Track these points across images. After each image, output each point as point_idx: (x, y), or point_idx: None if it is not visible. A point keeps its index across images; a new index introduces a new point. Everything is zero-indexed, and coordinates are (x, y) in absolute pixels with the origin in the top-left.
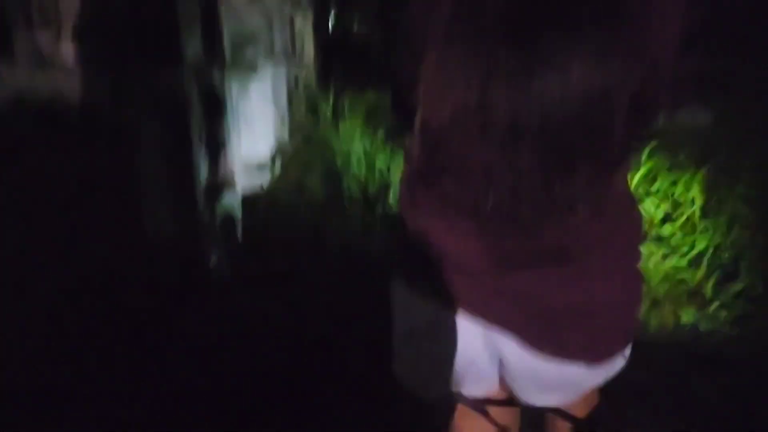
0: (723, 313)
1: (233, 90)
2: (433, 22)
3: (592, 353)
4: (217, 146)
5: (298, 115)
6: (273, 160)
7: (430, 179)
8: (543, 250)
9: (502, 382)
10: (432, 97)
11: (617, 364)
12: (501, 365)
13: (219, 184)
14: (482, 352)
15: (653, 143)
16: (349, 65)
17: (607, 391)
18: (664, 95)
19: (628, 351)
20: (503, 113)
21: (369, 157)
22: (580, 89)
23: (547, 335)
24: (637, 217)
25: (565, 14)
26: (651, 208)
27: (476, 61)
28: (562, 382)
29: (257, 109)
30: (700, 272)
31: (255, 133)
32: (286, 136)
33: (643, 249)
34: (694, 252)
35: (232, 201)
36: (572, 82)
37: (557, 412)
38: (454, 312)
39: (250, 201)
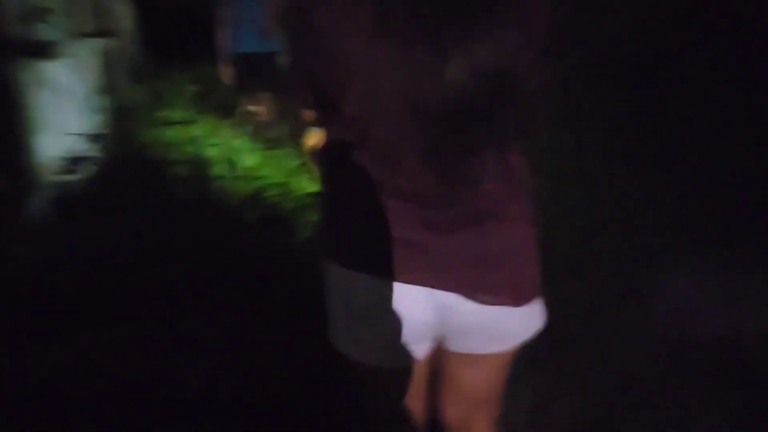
0: None
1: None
2: (330, 16)
3: (515, 294)
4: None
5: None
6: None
7: (353, 158)
8: (463, 214)
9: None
10: (346, 84)
11: (536, 316)
12: (439, 322)
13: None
14: (424, 313)
15: None
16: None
17: None
18: (542, 77)
19: (540, 305)
20: (411, 97)
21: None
22: (477, 71)
23: (479, 284)
24: (531, 178)
25: (460, 5)
26: None
27: (383, 50)
28: (494, 326)
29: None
30: None
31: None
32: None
33: None
34: None
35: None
36: (470, 66)
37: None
38: (393, 280)
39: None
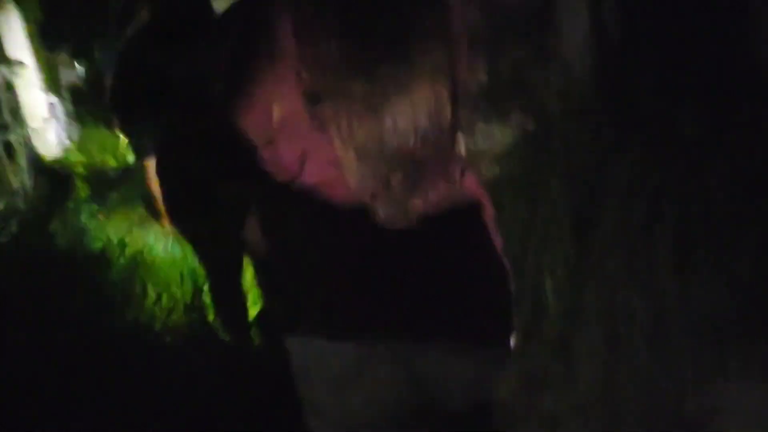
0: None
1: None
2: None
3: (478, 347)
4: None
5: None
6: None
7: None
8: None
9: None
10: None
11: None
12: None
13: None
14: (397, 383)
15: None
16: None
17: None
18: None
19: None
20: (359, 138)
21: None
22: (416, 111)
23: (445, 327)
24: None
25: (399, 55)
26: None
27: (332, 97)
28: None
29: None
30: None
31: None
32: None
33: None
34: None
35: None
36: (410, 107)
37: None
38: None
39: None
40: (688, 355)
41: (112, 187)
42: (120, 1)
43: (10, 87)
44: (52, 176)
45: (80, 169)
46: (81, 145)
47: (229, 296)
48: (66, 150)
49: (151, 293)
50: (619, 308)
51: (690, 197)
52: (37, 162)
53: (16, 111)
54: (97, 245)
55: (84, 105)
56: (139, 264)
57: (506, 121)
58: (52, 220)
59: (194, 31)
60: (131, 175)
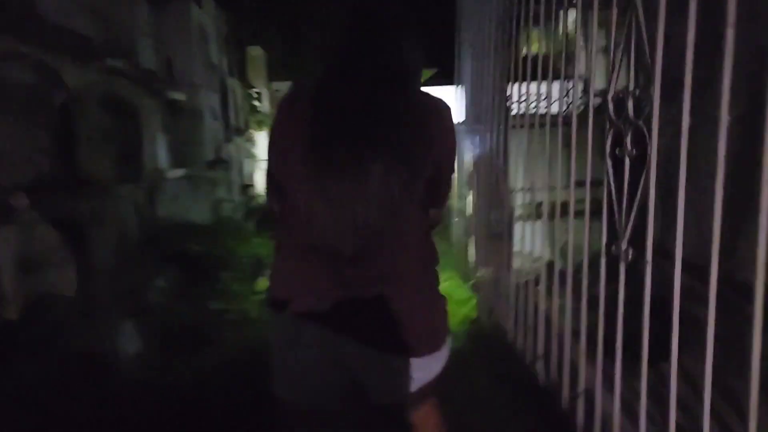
0: None
1: None
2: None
3: (420, 345)
4: None
5: None
6: None
7: (299, 247)
8: (372, 276)
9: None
10: (295, 199)
11: (439, 359)
12: (347, 368)
13: None
14: (333, 358)
15: None
16: None
17: None
18: (445, 187)
19: (445, 351)
20: (336, 209)
21: None
22: (392, 188)
23: (384, 335)
24: (434, 250)
25: (380, 144)
26: None
27: (316, 177)
28: (399, 373)
29: None
30: None
31: None
32: None
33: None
34: None
35: None
36: (387, 185)
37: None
38: (311, 331)
39: None
40: None
41: None
42: None
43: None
44: None
45: None
46: None
47: None
48: None
49: None
50: None
51: None
52: None
53: None
54: None
55: None
56: None
57: None
58: None
59: None
60: None
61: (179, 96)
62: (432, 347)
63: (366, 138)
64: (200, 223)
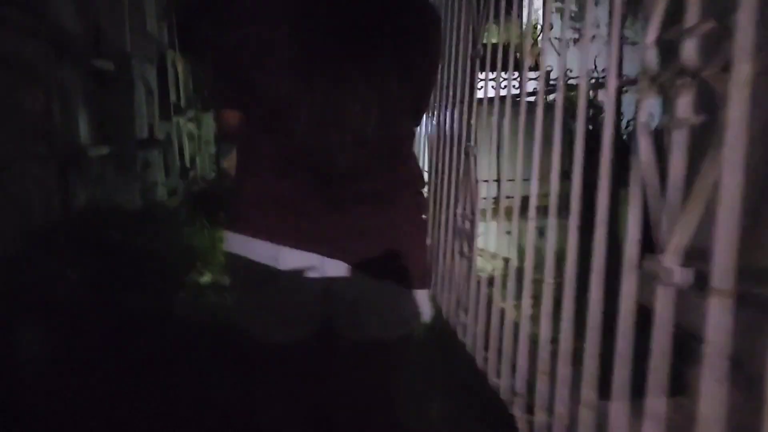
0: None
1: None
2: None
3: (401, 273)
4: None
5: None
6: None
7: (273, 161)
8: (363, 195)
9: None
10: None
11: (422, 305)
12: (328, 297)
13: None
14: (312, 288)
15: None
16: None
17: None
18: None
19: (427, 297)
20: (325, 113)
21: None
22: (376, 98)
23: (367, 258)
24: (419, 171)
25: (362, 51)
26: None
27: (299, 82)
28: (378, 303)
29: None
30: None
31: None
32: None
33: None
34: None
35: None
36: (369, 94)
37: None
38: (284, 245)
39: None
40: None
41: None
42: None
43: None
44: None
45: None
46: None
47: None
48: None
49: None
50: None
51: None
52: None
53: None
54: None
55: None
56: None
57: None
58: None
59: None
60: None
61: (106, 65)
62: (424, 282)
63: (364, 31)
64: (127, 208)
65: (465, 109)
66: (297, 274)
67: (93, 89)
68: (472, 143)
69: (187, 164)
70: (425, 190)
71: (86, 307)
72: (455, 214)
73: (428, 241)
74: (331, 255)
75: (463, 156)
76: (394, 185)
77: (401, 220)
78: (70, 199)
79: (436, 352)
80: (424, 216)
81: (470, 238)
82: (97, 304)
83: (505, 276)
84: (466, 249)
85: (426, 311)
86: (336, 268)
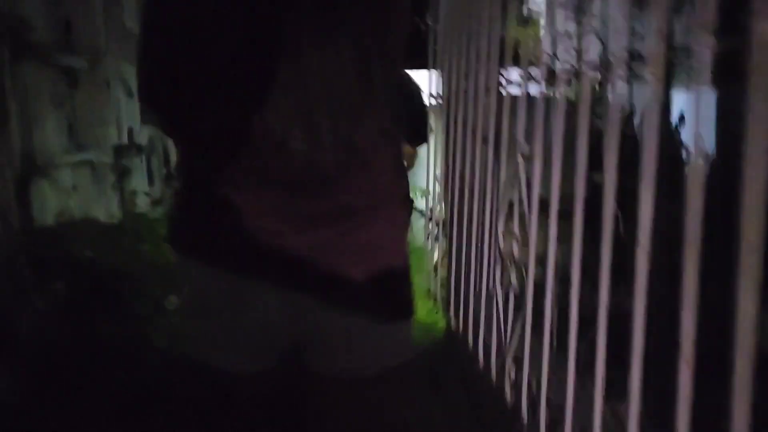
0: None
1: None
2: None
3: (379, 303)
4: None
5: None
6: None
7: (225, 170)
8: (331, 208)
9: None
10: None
11: (404, 340)
12: (297, 327)
13: None
14: (278, 312)
15: None
16: None
17: None
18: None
19: (410, 330)
20: (293, 93)
21: None
22: (348, 63)
23: (340, 284)
24: (404, 183)
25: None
26: None
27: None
28: (352, 337)
29: None
30: None
31: None
32: None
33: None
34: None
35: None
36: (340, 60)
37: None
38: (251, 280)
39: None
40: None
41: None
42: None
43: None
44: None
45: None
46: None
47: None
48: None
49: None
50: None
51: None
52: None
53: None
54: None
55: None
56: None
57: None
58: None
59: None
60: None
61: (77, 63)
62: (407, 312)
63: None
64: (103, 221)
65: (492, 102)
66: (258, 303)
67: (61, 90)
68: (522, 142)
69: (173, 170)
70: (411, 203)
71: (53, 339)
72: (491, 233)
73: (445, 268)
74: (297, 283)
75: (504, 158)
76: (375, 197)
77: (384, 239)
78: (32, 215)
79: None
80: (406, 232)
81: (519, 264)
82: (64, 335)
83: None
84: (513, 281)
85: (408, 346)
86: (302, 298)
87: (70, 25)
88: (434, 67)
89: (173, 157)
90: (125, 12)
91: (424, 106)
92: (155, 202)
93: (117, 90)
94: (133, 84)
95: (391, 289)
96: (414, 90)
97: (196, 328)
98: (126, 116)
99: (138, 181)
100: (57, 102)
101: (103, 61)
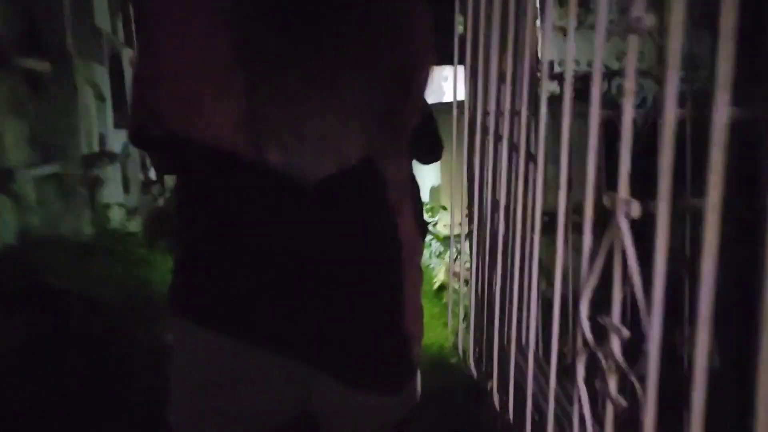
0: None
1: None
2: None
3: (387, 377)
4: None
5: None
6: None
7: (218, 213)
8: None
9: None
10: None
11: (409, 403)
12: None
13: None
14: (282, 389)
15: None
16: None
17: None
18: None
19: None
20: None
21: None
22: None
23: (347, 361)
24: (421, 226)
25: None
26: None
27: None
28: (370, 414)
29: None
30: None
31: None
32: None
33: None
34: None
35: None
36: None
37: None
38: (249, 343)
39: None
40: None
41: None
42: None
43: None
44: None
45: None
46: None
47: None
48: None
49: None
50: None
51: None
52: None
53: None
54: None
55: None
56: None
57: None
58: None
59: None
60: None
61: (40, 66)
62: (410, 379)
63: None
64: (71, 240)
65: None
66: (259, 379)
67: (24, 95)
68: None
69: (151, 177)
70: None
71: (13, 377)
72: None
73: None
74: (308, 354)
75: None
76: (387, 250)
77: (396, 300)
78: None
79: None
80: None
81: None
82: (26, 373)
83: None
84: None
85: (410, 407)
86: (314, 368)
87: (34, 24)
88: (461, 63)
89: (150, 161)
90: (96, 12)
91: (436, 123)
92: (131, 212)
93: (86, 95)
94: (105, 87)
95: (395, 360)
96: (427, 111)
97: (192, 403)
98: (96, 123)
99: (111, 193)
100: (17, 109)
101: (70, 64)
